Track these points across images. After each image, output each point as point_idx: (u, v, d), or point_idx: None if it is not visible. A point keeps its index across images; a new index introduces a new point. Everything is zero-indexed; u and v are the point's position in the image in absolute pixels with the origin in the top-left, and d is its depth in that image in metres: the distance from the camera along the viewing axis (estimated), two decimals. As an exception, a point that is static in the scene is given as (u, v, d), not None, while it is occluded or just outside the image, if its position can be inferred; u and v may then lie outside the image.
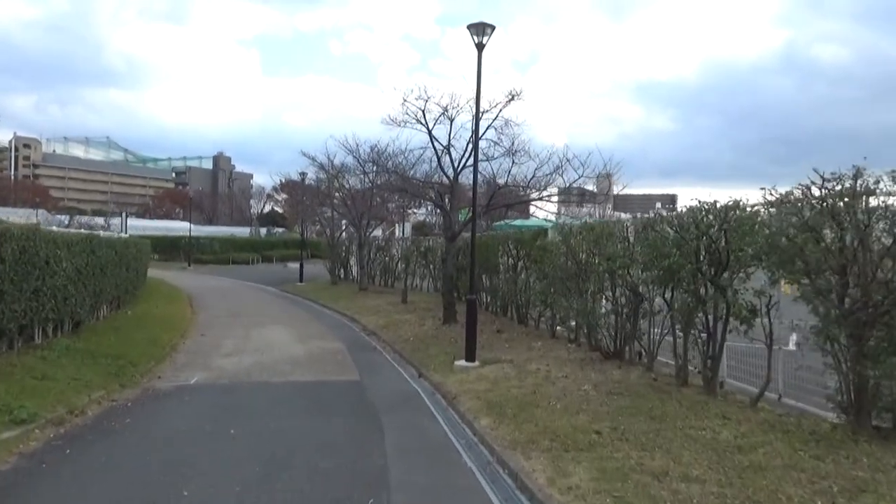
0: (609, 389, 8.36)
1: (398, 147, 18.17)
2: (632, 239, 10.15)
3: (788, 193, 6.79)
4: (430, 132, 15.92)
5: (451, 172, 16.37)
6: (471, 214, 18.77)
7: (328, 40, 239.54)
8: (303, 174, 31.34)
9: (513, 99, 15.28)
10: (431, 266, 24.82)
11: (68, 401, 8.17)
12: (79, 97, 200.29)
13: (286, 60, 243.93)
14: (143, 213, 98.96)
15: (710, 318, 7.90)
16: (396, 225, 44.29)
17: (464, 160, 16.09)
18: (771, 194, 7.02)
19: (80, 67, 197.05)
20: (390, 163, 17.62)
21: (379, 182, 18.33)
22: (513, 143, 15.55)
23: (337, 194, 29.47)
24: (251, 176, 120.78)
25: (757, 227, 7.22)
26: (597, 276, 10.57)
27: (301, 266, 34.23)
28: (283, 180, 40.24)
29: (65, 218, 42.03)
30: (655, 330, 9.65)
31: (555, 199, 15.79)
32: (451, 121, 16.00)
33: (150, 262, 27.98)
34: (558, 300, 12.56)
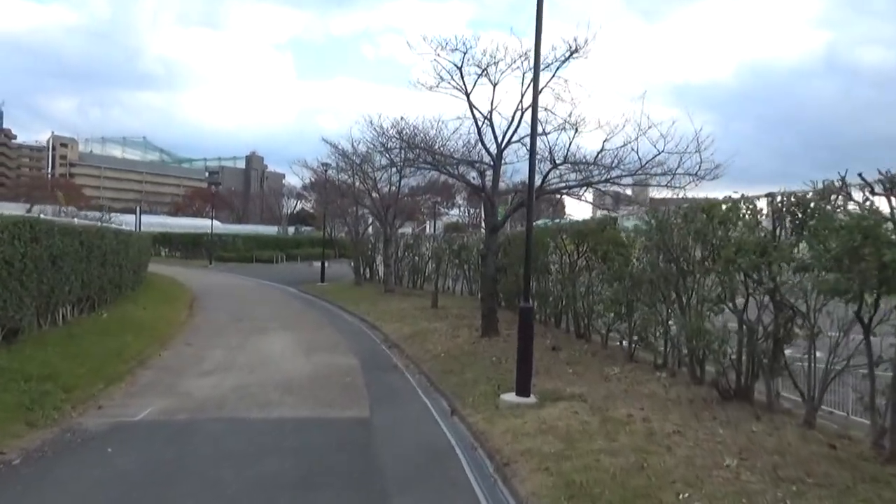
0: (771, 467, 5.02)
1: (428, 122, 15.01)
2: (770, 224, 6.78)
3: None
4: (468, 96, 12.69)
5: (493, 149, 13.11)
6: (511, 207, 15.69)
7: (360, 43, 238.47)
8: (325, 164, 28.34)
9: (573, 53, 11.96)
10: (466, 266, 21.69)
11: None
12: (118, 99, 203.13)
13: (319, 63, 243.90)
14: (175, 211, 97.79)
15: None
16: (427, 223, 41.21)
17: (510, 133, 12.81)
18: None
19: (120, 71, 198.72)
20: (418, 137, 14.41)
21: (405, 158, 15.10)
22: (570, 114, 12.22)
23: (360, 185, 26.44)
24: (283, 176, 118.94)
25: None
26: (717, 276, 7.18)
27: (323, 264, 31.31)
28: (312, 179, 37.02)
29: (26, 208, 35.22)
30: (817, 357, 6.27)
31: (626, 180, 12.34)
32: (495, 85, 12.76)
33: (151, 257, 25.40)
34: (643, 310, 9.22)
